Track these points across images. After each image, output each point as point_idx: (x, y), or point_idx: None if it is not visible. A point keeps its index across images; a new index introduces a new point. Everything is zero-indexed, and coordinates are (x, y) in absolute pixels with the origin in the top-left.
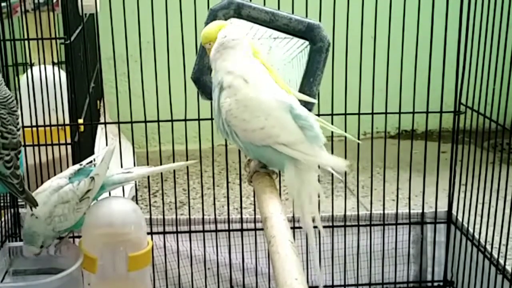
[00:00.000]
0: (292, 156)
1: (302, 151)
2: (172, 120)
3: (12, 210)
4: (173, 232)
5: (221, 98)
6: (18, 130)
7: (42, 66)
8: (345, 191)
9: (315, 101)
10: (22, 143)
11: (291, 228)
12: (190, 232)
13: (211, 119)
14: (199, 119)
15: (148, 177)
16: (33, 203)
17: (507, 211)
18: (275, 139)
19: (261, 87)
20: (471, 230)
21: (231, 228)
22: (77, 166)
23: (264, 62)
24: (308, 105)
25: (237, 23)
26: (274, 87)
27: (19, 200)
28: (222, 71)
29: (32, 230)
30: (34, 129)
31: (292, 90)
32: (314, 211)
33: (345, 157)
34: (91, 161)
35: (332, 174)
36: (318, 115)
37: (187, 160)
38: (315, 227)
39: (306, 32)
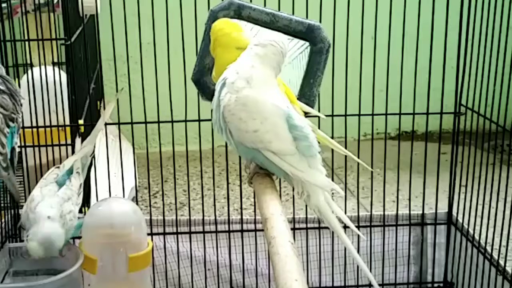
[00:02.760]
0: (280, 166)
1: (291, 163)
2: (172, 121)
3: (12, 211)
4: (173, 233)
5: (222, 92)
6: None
7: (43, 67)
8: (345, 192)
9: (320, 115)
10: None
11: (291, 229)
12: (190, 233)
13: (211, 120)
14: (199, 120)
15: (148, 178)
16: (14, 186)
17: (507, 212)
18: (266, 144)
19: (263, 91)
20: (471, 231)
21: (231, 229)
22: (55, 170)
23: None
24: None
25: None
26: (276, 94)
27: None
28: (231, 68)
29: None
30: (34, 130)
31: (298, 103)
32: (335, 210)
33: (345, 158)
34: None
35: (332, 175)
36: (318, 116)
37: (187, 161)
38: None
39: (306, 33)
